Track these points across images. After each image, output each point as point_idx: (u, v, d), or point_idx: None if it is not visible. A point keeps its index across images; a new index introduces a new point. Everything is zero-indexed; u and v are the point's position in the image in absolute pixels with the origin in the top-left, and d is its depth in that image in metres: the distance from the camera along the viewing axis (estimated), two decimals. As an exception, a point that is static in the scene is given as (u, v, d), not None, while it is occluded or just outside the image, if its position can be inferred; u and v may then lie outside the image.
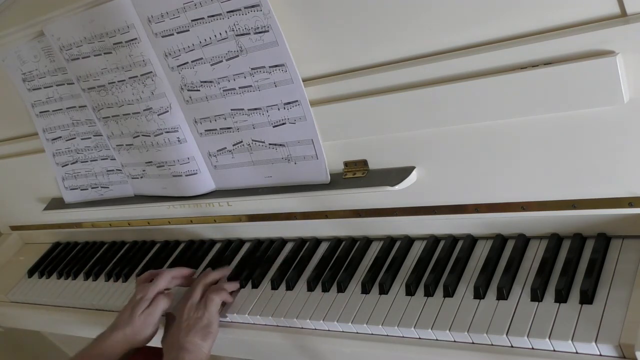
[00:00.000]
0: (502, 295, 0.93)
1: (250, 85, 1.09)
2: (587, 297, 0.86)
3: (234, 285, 1.21)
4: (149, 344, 1.21)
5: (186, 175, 1.27)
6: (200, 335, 1.09)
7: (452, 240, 1.08)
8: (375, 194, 1.07)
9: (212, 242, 1.41)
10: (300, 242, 1.26)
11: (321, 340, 1.06)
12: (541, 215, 0.95)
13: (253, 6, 1.00)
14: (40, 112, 1.42)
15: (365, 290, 1.07)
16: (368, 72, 0.99)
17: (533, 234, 1.02)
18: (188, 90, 1.17)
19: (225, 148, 1.20)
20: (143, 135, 1.28)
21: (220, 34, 1.06)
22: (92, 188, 1.47)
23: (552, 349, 0.85)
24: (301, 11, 1.01)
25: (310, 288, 1.13)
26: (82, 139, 1.41)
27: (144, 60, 1.17)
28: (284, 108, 1.08)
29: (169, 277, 1.24)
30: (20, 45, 1.33)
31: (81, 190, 1.49)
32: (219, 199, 1.27)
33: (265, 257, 1.26)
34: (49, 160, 1.48)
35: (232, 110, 1.14)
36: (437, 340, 0.95)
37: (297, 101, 1.06)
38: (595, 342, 0.81)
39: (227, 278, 1.24)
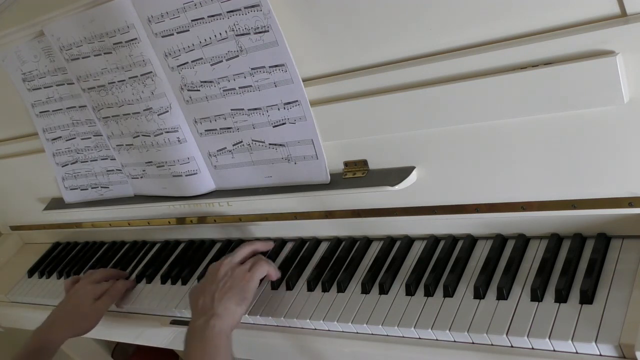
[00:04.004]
0: (502, 295, 0.93)
1: (250, 85, 1.09)
2: (587, 297, 0.86)
3: (277, 272, 1.15)
4: (146, 345, 1.21)
5: (186, 175, 1.27)
6: (235, 300, 1.04)
7: (452, 240, 1.08)
8: (375, 194, 1.07)
9: (212, 242, 1.41)
10: (300, 242, 1.26)
11: (321, 340, 1.06)
12: (541, 215, 0.95)
13: (253, 6, 1.00)
14: (40, 112, 1.42)
15: (365, 290, 1.07)
16: (368, 72, 0.99)
17: (533, 234, 1.02)
18: (188, 90, 1.17)
19: (225, 148, 1.20)
20: (143, 135, 1.28)
21: (220, 34, 1.06)
22: (92, 188, 1.47)
23: (552, 349, 0.85)
24: (301, 11, 1.01)
25: (310, 288, 1.13)
26: (82, 139, 1.41)
27: (144, 60, 1.17)
28: (284, 108, 1.08)
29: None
30: (20, 45, 1.33)
31: (81, 190, 1.49)
32: (219, 199, 1.27)
33: (265, 257, 1.26)
34: (49, 160, 1.48)
35: (232, 110, 1.14)
36: (437, 340, 0.95)
37: (297, 101, 1.06)
38: (595, 342, 0.81)
39: None
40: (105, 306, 1.30)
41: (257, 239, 1.28)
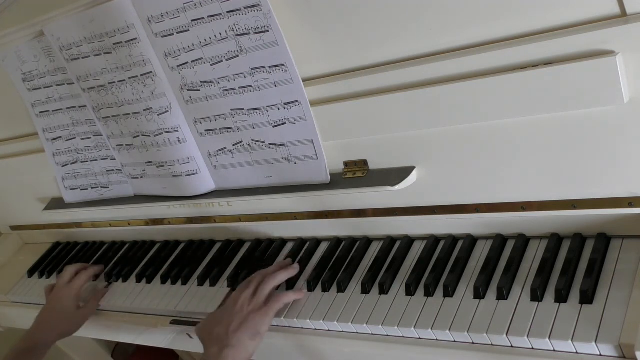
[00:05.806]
0: (502, 295, 0.93)
1: (250, 85, 1.09)
2: (587, 297, 0.86)
3: (299, 294, 1.12)
4: (146, 345, 1.21)
5: (186, 175, 1.27)
6: (249, 335, 1.03)
7: (452, 240, 1.08)
8: (375, 194, 1.07)
9: (212, 242, 1.41)
10: (300, 242, 1.26)
11: (321, 340, 1.06)
12: (541, 215, 0.95)
13: (253, 6, 1.00)
14: (40, 112, 1.42)
15: (365, 290, 1.07)
16: (368, 72, 0.99)
17: (533, 234, 1.02)
18: (188, 90, 1.17)
19: (225, 148, 1.20)
20: (143, 135, 1.28)
21: (220, 34, 1.06)
22: (92, 188, 1.47)
23: (552, 349, 0.85)
24: (301, 11, 1.01)
25: (311, 288, 1.13)
26: (82, 139, 1.41)
27: (144, 60, 1.17)
28: (284, 108, 1.08)
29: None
30: (20, 45, 1.33)
31: (81, 190, 1.49)
32: (219, 199, 1.27)
33: (265, 257, 1.26)
34: (49, 160, 1.48)
35: (232, 110, 1.14)
36: (437, 340, 0.95)
37: (297, 101, 1.06)
38: (595, 342, 0.81)
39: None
40: (90, 312, 1.38)
41: (288, 262, 1.21)
